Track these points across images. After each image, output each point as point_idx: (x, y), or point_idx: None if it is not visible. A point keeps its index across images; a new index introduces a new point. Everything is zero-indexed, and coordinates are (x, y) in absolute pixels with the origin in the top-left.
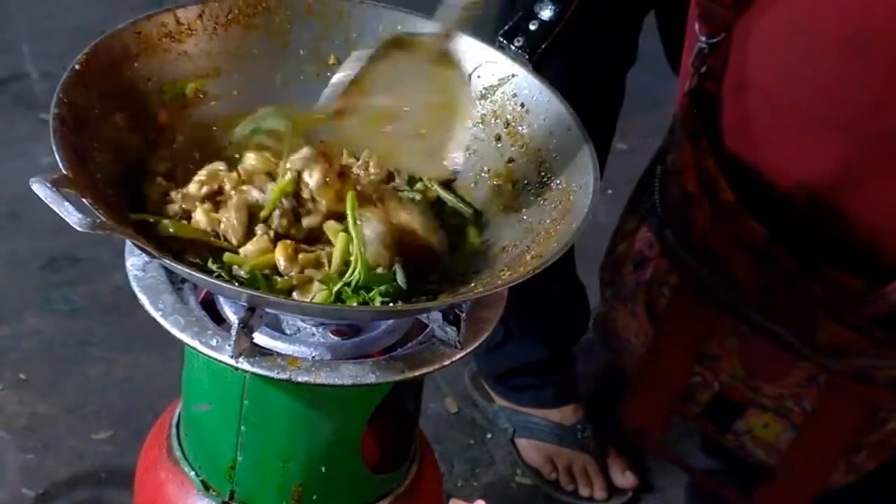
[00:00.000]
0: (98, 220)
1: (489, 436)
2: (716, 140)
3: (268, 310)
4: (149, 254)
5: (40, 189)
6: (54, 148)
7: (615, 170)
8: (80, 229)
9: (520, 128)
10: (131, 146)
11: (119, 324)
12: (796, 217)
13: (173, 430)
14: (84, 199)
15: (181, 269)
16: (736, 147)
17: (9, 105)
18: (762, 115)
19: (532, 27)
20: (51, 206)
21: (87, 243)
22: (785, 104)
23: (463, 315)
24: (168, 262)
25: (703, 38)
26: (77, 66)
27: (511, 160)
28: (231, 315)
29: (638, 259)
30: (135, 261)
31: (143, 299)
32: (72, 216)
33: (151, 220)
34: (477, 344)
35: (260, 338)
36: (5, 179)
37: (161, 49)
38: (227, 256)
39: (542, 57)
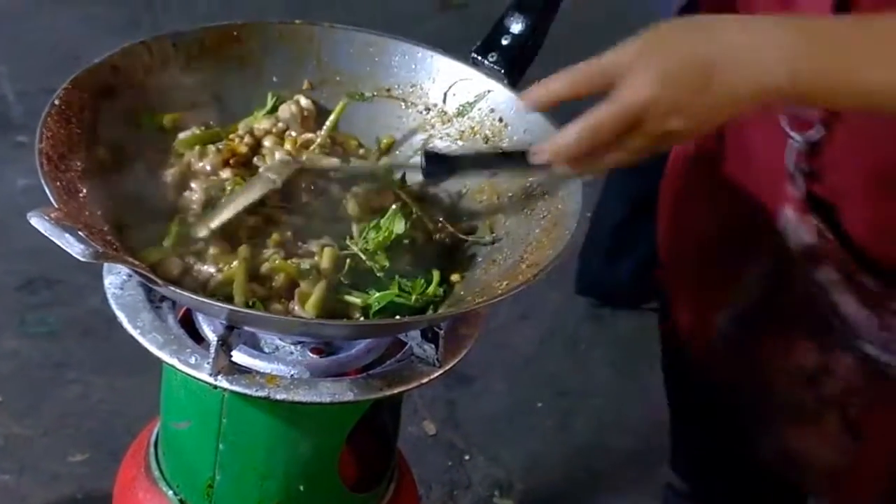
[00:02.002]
0: (100, 251)
1: (467, 457)
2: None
3: (248, 327)
4: (150, 280)
5: (40, 223)
6: (43, 182)
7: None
8: (82, 259)
9: (500, 142)
10: (115, 177)
11: (96, 346)
12: None
13: (151, 450)
14: (80, 232)
15: (180, 294)
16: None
17: None
18: None
19: (504, 41)
20: (52, 238)
21: (64, 266)
22: None
23: (441, 333)
24: (168, 288)
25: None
26: (57, 102)
27: (494, 174)
28: (210, 333)
29: (810, 376)
30: (113, 279)
31: (122, 317)
32: (74, 247)
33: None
34: (455, 362)
35: (238, 356)
36: None
37: (137, 82)
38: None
39: (517, 70)
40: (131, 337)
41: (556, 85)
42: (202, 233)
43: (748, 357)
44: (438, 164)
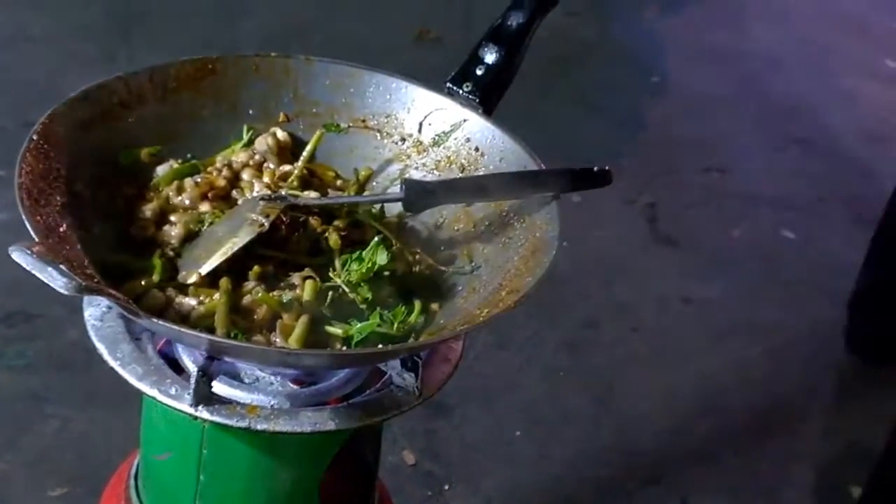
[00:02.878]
0: (82, 284)
1: (447, 487)
2: None
3: (228, 358)
4: (132, 313)
5: (21, 258)
6: (24, 218)
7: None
8: (65, 293)
9: (476, 171)
10: (94, 211)
11: (75, 380)
12: None
13: (131, 482)
14: (62, 266)
15: (161, 326)
16: None
17: None
18: None
19: (479, 71)
20: (34, 272)
21: (43, 300)
22: None
23: (421, 362)
24: (149, 320)
25: None
26: (35, 136)
27: (470, 203)
28: (190, 364)
29: None
30: (93, 311)
31: (102, 349)
32: (57, 281)
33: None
34: (435, 391)
35: (219, 387)
36: None
37: (114, 116)
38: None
39: (491, 100)
40: (111, 370)
41: None
42: (192, 278)
43: None
44: (418, 193)
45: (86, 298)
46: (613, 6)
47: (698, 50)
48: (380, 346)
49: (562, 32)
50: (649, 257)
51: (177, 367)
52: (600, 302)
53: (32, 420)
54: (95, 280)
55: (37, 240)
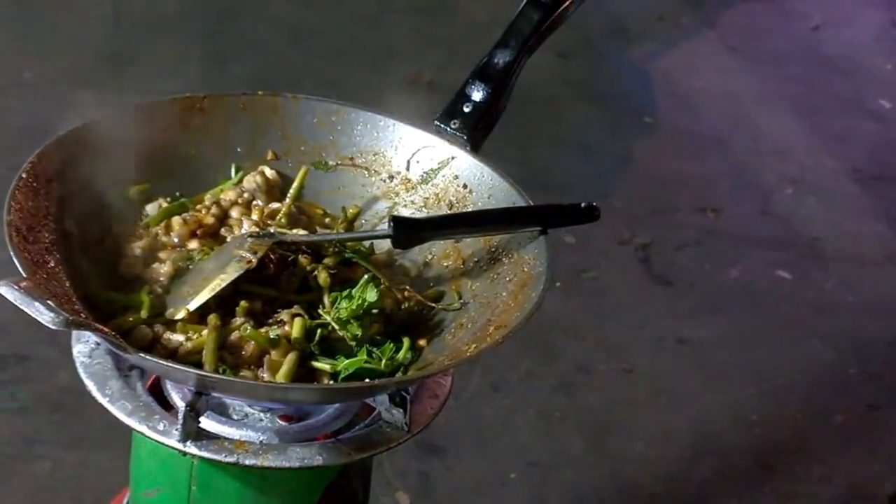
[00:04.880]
0: (71, 318)
1: None
2: None
3: (216, 393)
4: (120, 348)
5: (9, 293)
6: (13, 254)
7: (563, 263)
8: (52, 328)
9: (464, 208)
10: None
11: (66, 422)
12: None
13: None
14: (49, 301)
15: (149, 361)
16: None
17: None
18: None
19: (466, 109)
20: (22, 307)
21: (33, 342)
22: None
23: (409, 397)
24: (137, 355)
25: None
26: (24, 175)
27: (458, 239)
28: (178, 400)
29: None
30: (81, 348)
31: (90, 385)
32: (44, 315)
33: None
34: (423, 426)
35: (207, 423)
36: None
37: (103, 154)
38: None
39: (478, 137)
40: (102, 412)
41: None
42: (179, 314)
43: None
44: (406, 230)
45: (74, 335)
46: (602, 48)
47: (689, 91)
48: (366, 380)
49: (552, 74)
50: (643, 298)
51: (166, 405)
52: (594, 343)
53: (23, 462)
54: (82, 315)
55: (24, 275)
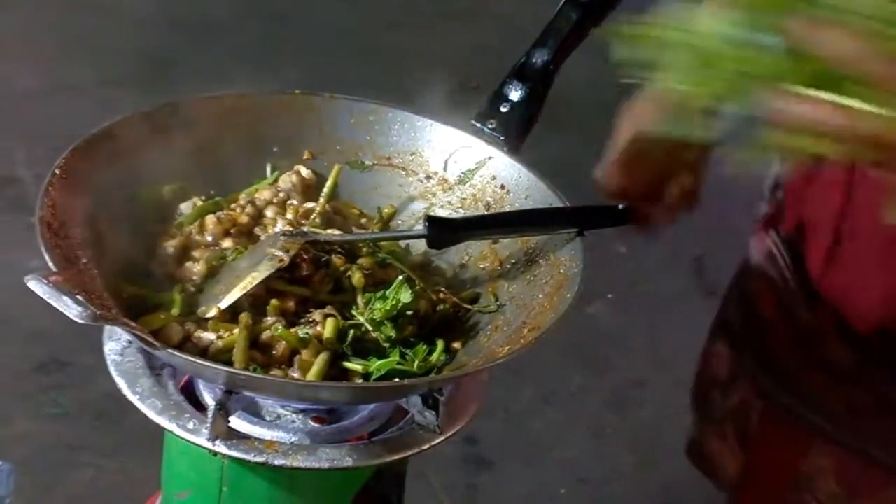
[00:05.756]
0: (98, 313)
1: None
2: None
3: (245, 391)
4: (149, 344)
5: (37, 286)
6: (43, 249)
7: (616, 273)
8: (80, 322)
9: (501, 209)
10: (115, 246)
11: (109, 429)
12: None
13: None
14: (78, 296)
15: (177, 357)
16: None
17: (2, 209)
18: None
19: (503, 109)
20: (50, 301)
21: (76, 349)
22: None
23: (442, 399)
24: (165, 352)
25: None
26: (57, 171)
27: (496, 241)
28: (208, 398)
29: (723, 384)
30: (112, 346)
31: (121, 383)
32: (71, 310)
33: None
34: (457, 428)
35: (239, 423)
36: None
37: (137, 152)
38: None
39: (516, 137)
40: (143, 419)
41: None
42: (210, 313)
43: None
44: (441, 230)
45: (105, 333)
46: None
47: None
48: (395, 379)
49: (604, 77)
50: (697, 310)
51: (198, 406)
52: (646, 356)
53: (66, 469)
54: (112, 311)
55: (54, 270)
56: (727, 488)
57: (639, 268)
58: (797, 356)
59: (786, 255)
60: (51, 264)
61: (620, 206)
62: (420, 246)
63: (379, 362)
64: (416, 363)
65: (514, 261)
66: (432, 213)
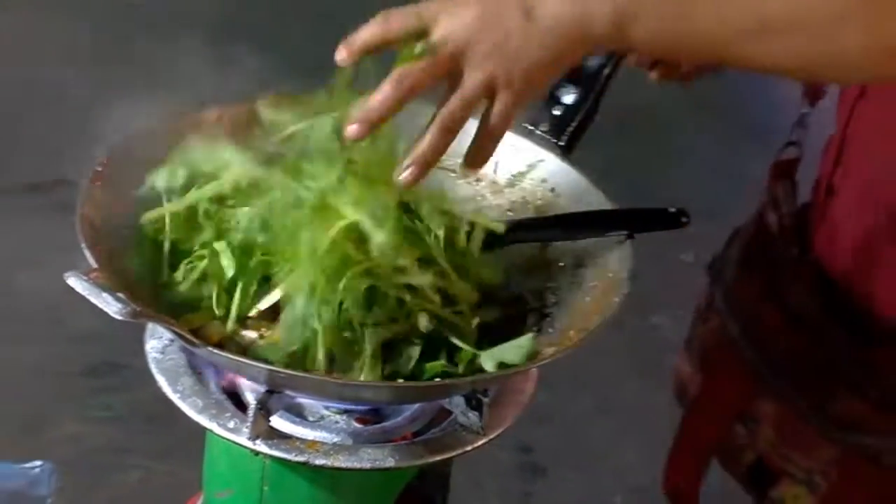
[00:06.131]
0: (137, 309)
1: None
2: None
3: (285, 389)
4: (188, 341)
5: (76, 282)
6: (83, 246)
7: (681, 282)
8: (118, 318)
9: (551, 212)
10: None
11: (159, 433)
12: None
13: None
14: (118, 293)
15: (215, 354)
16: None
17: (51, 210)
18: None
19: (556, 112)
20: (88, 297)
21: (129, 351)
22: None
23: (486, 400)
24: (205, 349)
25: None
26: (99, 168)
27: (545, 244)
28: (250, 398)
29: (700, 312)
30: (154, 344)
31: (162, 381)
32: (111, 306)
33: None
34: (501, 430)
35: (280, 423)
36: (46, 285)
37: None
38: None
39: (568, 140)
40: (195, 422)
41: (367, 32)
42: (252, 311)
43: None
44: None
45: (148, 331)
46: None
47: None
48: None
49: (674, 87)
50: None
51: (241, 405)
52: None
53: (113, 472)
54: (153, 308)
55: (95, 266)
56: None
57: (704, 278)
58: (761, 296)
59: (784, 202)
60: (91, 261)
61: (671, 210)
62: None
63: (426, 366)
64: (462, 366)
65: (561, 264)
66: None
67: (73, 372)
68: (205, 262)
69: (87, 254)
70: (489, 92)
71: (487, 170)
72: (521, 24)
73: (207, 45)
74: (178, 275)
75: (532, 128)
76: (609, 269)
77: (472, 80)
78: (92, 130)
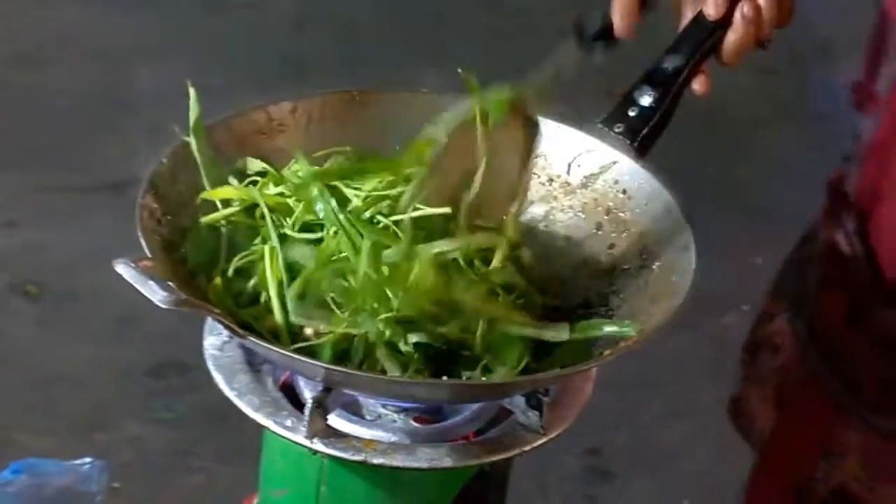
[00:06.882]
0: (182, 298)
1: None
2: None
3: (341, 387)
4: (233, 331)
5: (124, 269)
6: (140, 236)
7: (751, 284)
8: (164, 306)
9: (621, 214)
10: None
11: (224, 435)
12: None
13: None
14: (169, 283)
15: (260, 345)
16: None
17: (126, 209)
18: None
19: (632, 113)
20: (134, 285)
21: (198, 352)
22: None
23: (547, 400)
24: (250, 340)
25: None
26: (164, 160)
27: (612, 246)
28: (307, 395)
29: (773, 345)
30: (213, 340)
31: (218, 378)
32: (156, 294)
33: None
34: (562, 429)
35: (338, 422)
36: (120, 284)
37: (252, 145)
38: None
39: (643, 142)
40: (261, 426)
41: None
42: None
43: None
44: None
45: (206, 327)
46: (810, 67)
47: None
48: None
49: (755, 91)
50: None
51: (298, 404)
52: None
53: (176, 475)
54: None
55: (148, 255)
56: (759, 448)
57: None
58: (847, 325)
59: (850, 223)
60: (145, 248)
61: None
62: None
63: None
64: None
65: (626, 267)
66: (552, 218)
67: (137, 373)
68: (259, 263)
69: (143, 242)
70: None
71: (560, 170)
72: None
73: (293, 44)
74: (231, 269)
75: (606, 129)
76: (673, 273)
77: None
78: (169, 131)
